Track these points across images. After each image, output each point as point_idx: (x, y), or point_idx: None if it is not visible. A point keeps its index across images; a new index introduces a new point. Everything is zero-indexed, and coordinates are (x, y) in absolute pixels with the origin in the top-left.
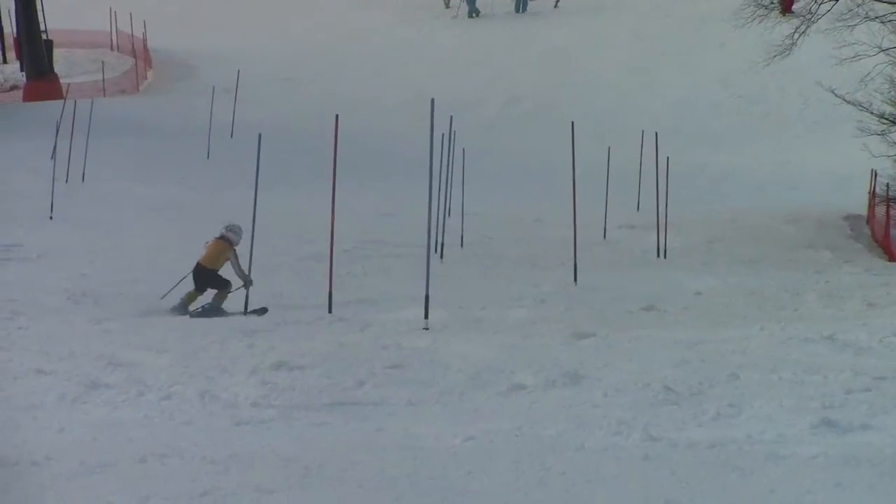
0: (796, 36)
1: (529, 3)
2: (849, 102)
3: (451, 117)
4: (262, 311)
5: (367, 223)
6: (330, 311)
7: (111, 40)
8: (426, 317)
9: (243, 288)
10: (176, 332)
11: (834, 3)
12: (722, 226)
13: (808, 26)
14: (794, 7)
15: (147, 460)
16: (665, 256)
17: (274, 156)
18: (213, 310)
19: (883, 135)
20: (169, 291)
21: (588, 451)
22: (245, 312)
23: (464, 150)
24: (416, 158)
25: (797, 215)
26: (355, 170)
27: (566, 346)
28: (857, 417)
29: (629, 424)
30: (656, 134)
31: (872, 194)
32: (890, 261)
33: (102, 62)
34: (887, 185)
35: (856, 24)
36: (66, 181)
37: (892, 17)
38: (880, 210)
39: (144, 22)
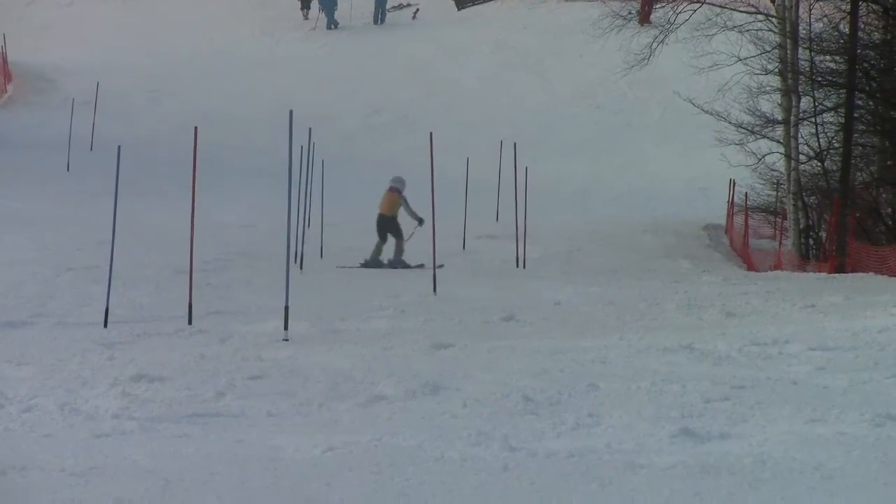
0: (654, 45)
1: (388, 15)
2: (707, 112)
3: (311, 129)
4: (440, 266)
5: (227, 235)
6: (190, 323)
7: None
8: (286, 328)
9: (419, 226)
10: (36, 344)
11: (692, 12)
12: (581, 236)
13: (666, 36)
14: (652, 17)
15: (7, 473)
16: (524, 267)
17: (135, 168)
18: (398, 262)
19: (741, 144)
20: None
21: (448, 462)
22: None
23: (323, 161)
24: (277, 170)
25: (656, 225)
26: (216, 182)
27: (426, 357)
28: (716, 426)
29: (488, 435)
30: (515, 144)
31: (731, 204)
32: (748, 270)
33: None
34: (746, 194)
35: (714, 34)
36: None
37: (749, 27)
38: (739, 219)
39: (3, 35)
